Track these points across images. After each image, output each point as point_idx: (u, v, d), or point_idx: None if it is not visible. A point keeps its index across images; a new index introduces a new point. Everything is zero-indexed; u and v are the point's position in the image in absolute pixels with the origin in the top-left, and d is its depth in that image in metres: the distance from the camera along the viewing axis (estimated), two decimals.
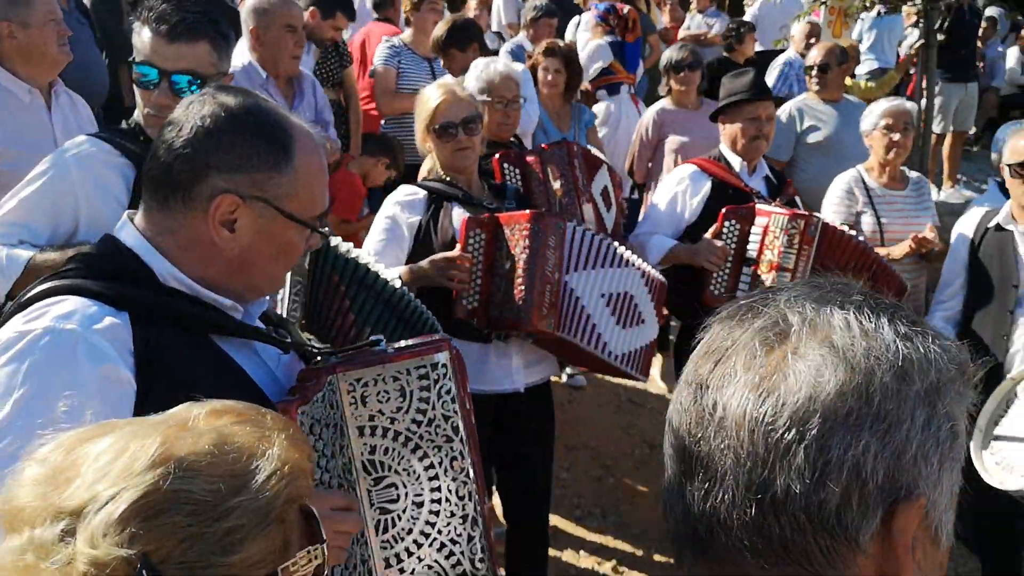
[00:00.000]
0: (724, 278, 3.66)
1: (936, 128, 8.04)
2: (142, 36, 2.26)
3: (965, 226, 3.77)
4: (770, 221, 3.58)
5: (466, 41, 5.00)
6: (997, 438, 3.27)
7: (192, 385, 1.42)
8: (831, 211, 4.16)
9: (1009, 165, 3.32)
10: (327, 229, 1.62)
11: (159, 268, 1.49)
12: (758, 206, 3.67)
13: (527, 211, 3.06)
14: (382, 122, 5.53)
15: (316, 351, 1.70)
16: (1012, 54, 10.51)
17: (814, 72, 5.24)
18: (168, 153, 1.48)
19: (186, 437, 0.93)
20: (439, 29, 5.12)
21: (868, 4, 7.74)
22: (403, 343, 1.71)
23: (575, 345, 3.11)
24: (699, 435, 0.81)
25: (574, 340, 3.06)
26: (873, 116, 4.23)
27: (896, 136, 4.13)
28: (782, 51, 8.01)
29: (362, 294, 2.47)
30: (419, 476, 1.69)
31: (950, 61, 7.87)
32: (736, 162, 3.86)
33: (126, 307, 1.43)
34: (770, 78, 6.73)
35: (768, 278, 3.56)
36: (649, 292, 3.31)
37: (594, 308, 3.12)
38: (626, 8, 6.73)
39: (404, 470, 1.68)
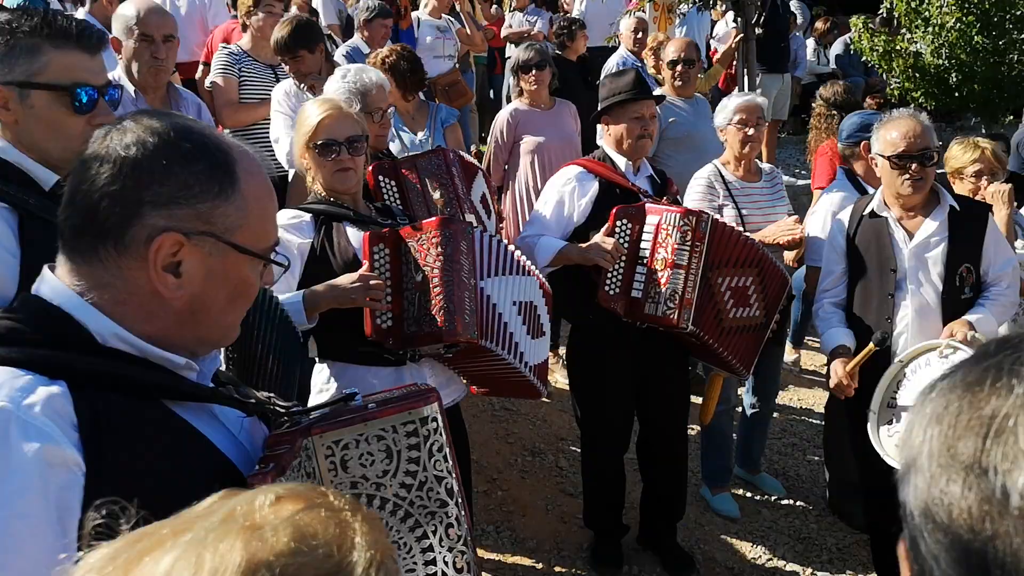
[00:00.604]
0: (618, 277, 3.58)
1: None
2: (52, 58, 1.88)
3: (831, 214, 3.88)
4: (662, 219, 3.53)
5: (314, 41, 4.67)
6: (893, 419, 3.37)
7: (150, 460, 1.17)
8: (693, 206, 4.18)
9: (887, 156, 3.41)
10: (287, 261, 1.37)
11: (96, 327, 1.21)
12: (648, 205, 3.61)
13: (432, 219, 2.86)
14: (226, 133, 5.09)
15: (283, 410, 1.44)
16: (810, 45, 11.22)
17: (679, 68, 5.28)
18: (91, 193, 1.20)
19: (264, 536, 0.76)
20: (281, 31, 4.73)
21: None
22: (385, 395, 1.48)
23: (493, 357, 2.93)
24: (988, 532, 0.66)
25: (496, 350, 2.88)
26: (727, 111, 4.30)
27: (750, 130, 4.22)
28: (612, 48, 8.14)
29: (262, 320, 2.24)
30: (411, 549, 1.46)
31: (768, 54, 8.25)
32: (622, 162, 3.78)
33: (62, 375, 1.15)
34: None
35: (664, 275, 3.51)
36: (545, 302, 3.20)
37: (510, 317, 2.95)
38: None
39: (394, 543, 1.45)
